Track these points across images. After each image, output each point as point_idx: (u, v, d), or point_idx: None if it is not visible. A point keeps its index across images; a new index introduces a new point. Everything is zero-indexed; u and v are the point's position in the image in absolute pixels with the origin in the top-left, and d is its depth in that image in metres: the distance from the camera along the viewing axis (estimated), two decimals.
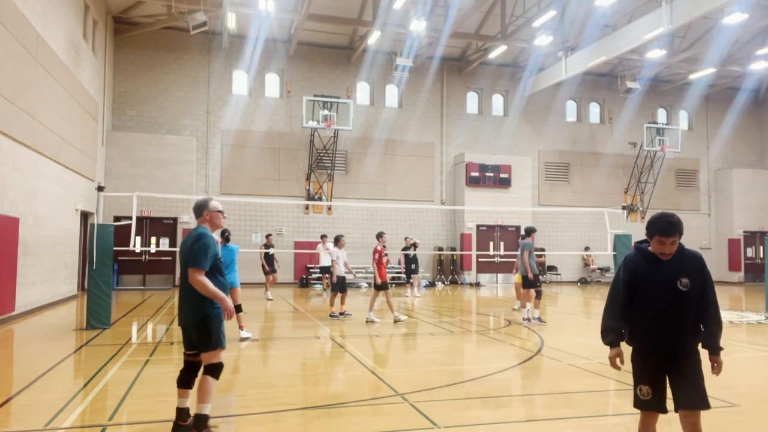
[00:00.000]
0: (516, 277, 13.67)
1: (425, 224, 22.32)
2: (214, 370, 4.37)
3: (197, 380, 4.47)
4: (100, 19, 18.15)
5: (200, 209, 4.60)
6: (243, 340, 9.09)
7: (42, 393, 5.84)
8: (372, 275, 11.86)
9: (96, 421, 4.94)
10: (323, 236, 17.83)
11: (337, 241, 12.26)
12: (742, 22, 18.40)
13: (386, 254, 12.28)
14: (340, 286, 12.05)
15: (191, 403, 4.48)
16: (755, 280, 25.68)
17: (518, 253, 13.33)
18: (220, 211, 4.64)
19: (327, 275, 17.94)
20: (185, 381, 4.49)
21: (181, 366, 4.58)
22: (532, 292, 11.64)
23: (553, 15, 19.36)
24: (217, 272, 4.41)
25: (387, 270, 21.84)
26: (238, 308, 8.95)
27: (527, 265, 11.48)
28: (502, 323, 11.70)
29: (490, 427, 4.83)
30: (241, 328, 9.29)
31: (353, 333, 10.35)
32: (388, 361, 8.01)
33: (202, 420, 4.35)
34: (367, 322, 11.36)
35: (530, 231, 12.02)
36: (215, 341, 4.33)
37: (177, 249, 14.63)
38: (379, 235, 12.02)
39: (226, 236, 9.77)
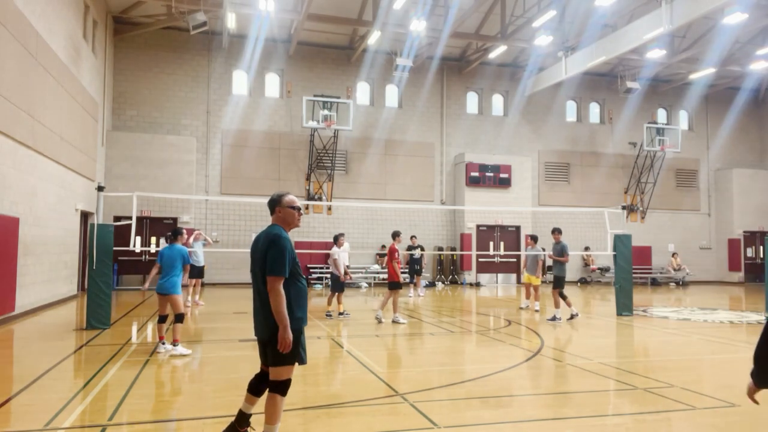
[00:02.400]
0: (533, 279, 13.57)
1: (425, 224, 22.31)
2: (283, 387, 3.88)
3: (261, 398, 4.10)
4: (100, 19, 18.15)
5: (273, 205, 4.05)
6: (173, 353, 7.82)
7: (42, 393, 5.83)
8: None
9: (96, 421, 4.94)
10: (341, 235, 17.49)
11: (336, 240, 12.30)
12: (742, 22, 18.39)
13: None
14: (341, 286, 12.12)
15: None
16: (755, 280, 25.69)
17: (533, 254, 13.48)
18: (294, 208, 4.04)
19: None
20: (256, 388, 4.09)
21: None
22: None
23: (553, 15, 19.35)
24: (297, 277, 3.94)
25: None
26: (179, 318, 7.92)
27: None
28: (502, 323, 11.70)
29: (490, 427, 4.83)
30: (175, 341, 7.87)
31: (353, 333, 10.36)
32: (388, 361, 8.01)
33: None
34: (393, 321, 11.35)
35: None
36: (291, 355, 3.83)
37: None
38: (397, 234, 11.99)
39: (168, 235, 8.42)
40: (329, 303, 12.26)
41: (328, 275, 17.16)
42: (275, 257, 3.78)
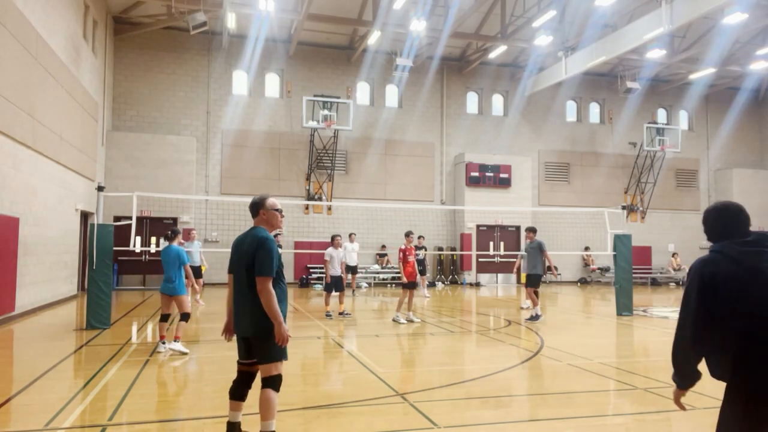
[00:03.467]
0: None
1: (425, 224, 22.30)
2: (275, 382, 3.99)
3: (249, 394, 4.17)
4: (100, 19, 18.14)
5: (256, 207, 4.22)
6: (171, 351, 7.82)
7: (42, 393, 5.84)
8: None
9: (96, 421, 4.94)
10: (351, 234, 17.40)
11: (332, 240, 12.26)
12: (742, 22, 18.39)
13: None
14: (335, 286, 12.09)
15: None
16: None
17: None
18: (278, 210, 4.22)
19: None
20: (239, 393, 4.13)
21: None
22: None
23: (553, 15, 19.35)
24: (280, 277, 4.06)
25: (387, 270, 21.92)
26: (185, 317, 7.95)
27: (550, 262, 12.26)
28: (502, 323, 11.70)
29: (490, 427, 4.83)
30: (176, 338, 7.83)
31: (353, 333, 10.36)
32: (388, 361, 8.00)
33: None
34: (393, 320, 11.40)
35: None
36: (277, 352, 3.95)
37: None
38: (407, 234, 11.95)
39: (168, 234, 8.40)
40: (327, 303, 12.26)
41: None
42: (264, 258, 3.92)
